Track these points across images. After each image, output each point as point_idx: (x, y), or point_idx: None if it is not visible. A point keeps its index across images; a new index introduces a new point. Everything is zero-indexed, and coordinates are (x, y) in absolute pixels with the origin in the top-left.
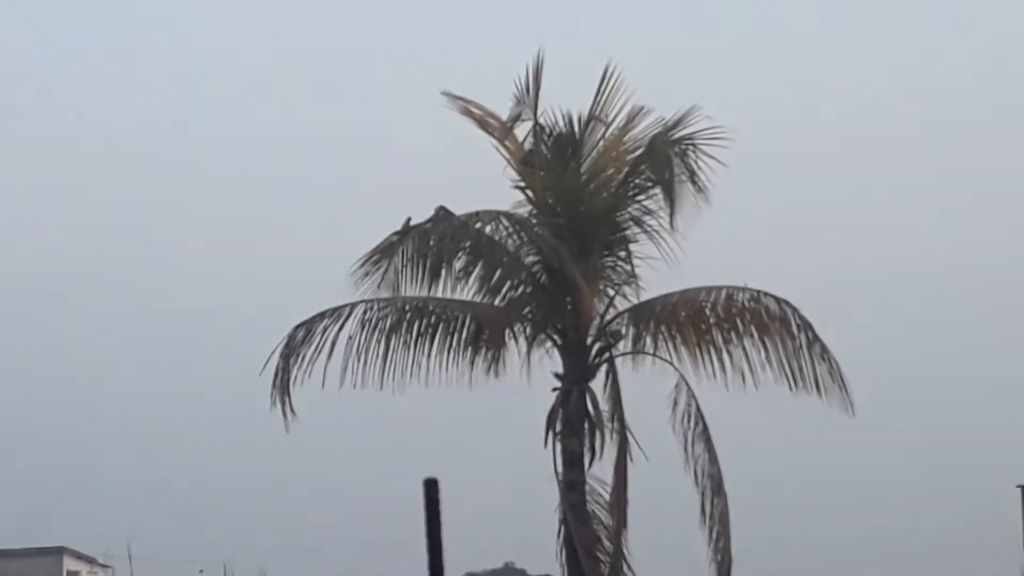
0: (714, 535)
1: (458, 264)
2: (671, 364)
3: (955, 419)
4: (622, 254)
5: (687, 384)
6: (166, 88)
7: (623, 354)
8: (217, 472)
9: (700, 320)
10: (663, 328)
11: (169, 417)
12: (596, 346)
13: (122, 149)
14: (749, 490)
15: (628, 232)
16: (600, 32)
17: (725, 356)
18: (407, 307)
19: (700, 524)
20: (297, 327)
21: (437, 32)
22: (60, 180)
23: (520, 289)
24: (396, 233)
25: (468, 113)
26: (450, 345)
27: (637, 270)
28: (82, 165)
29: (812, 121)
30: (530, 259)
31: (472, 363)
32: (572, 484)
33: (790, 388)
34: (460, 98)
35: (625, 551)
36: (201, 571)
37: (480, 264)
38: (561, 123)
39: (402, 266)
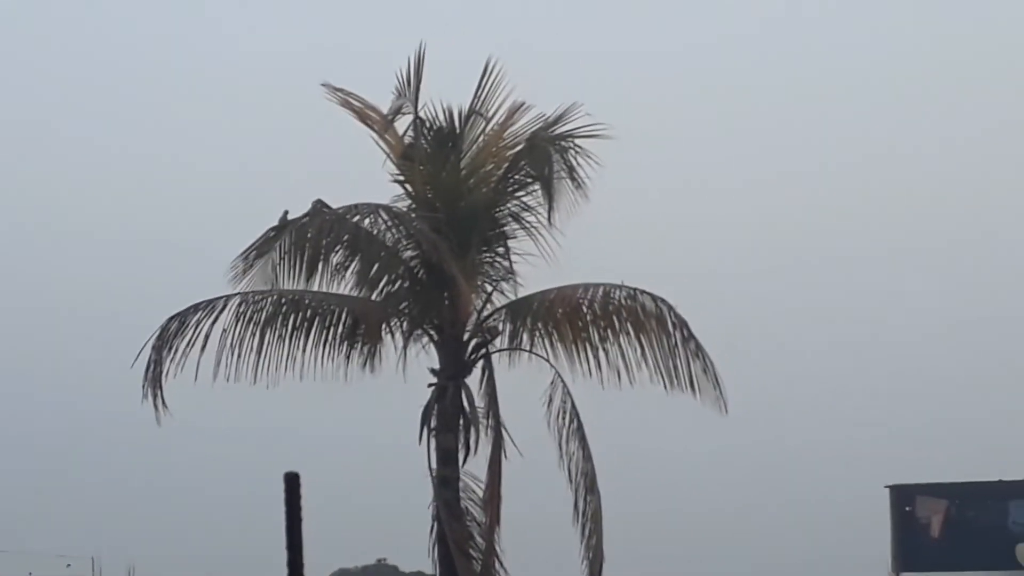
0: (587, 533)
1: (335, 258)
2: (547, 361)
3: (825, 417)
4: (500, 250)
5: (563, 381)
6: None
7: (499, 350)
8: (84, 465)
9: (577, 317)
10: (540, 325)
11: (34, 409)
12: (473, 342)
13: None
14: (624, 488)
15: (507, 228)
16: (483, 27)
17: (601, 353)
18: (283, 300)
19: (573, 522)
20: (171, 319)
21: (319, 25)
22: None
23: (397, 284)
24: (273, 228)
25: (348, 105)
26: (326, 339)
27: (515, 266)
28: None
29: (694, 117)
30: (408, 254)
31: (348, 358)
32: (446, 480)
33: (665, 386)
34: (340, 90)
35: (498, 548)
36: (69, 566)
37: (358, 258)
38: (442, 117)
39: (280, 260)
